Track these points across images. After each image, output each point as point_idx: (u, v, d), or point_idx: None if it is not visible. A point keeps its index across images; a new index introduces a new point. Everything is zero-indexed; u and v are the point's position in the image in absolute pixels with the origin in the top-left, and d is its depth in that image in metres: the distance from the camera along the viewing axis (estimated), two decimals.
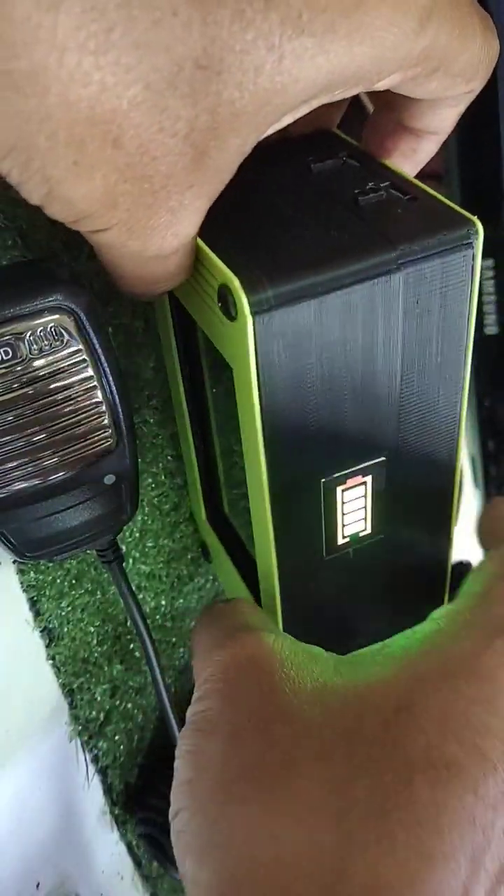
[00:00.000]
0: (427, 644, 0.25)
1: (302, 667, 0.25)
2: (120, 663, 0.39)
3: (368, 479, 0.27)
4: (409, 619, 0.32)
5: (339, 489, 0.26)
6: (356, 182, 0.26)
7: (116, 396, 0.27)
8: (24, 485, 0.26)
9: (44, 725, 0.36)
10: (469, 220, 0.24)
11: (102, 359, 0.26)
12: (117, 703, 0.40)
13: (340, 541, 0.28)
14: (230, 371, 0.24)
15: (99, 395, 0.26)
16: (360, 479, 0.26)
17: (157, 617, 0.41)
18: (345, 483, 0.26)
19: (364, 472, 0.26)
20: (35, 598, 0.34)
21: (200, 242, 0.23)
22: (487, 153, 0.45)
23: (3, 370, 0.25)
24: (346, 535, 0.28)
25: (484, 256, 0.49)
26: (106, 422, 0.27)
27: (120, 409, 0.27)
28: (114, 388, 0.26)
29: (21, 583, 0.33)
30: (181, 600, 0.42)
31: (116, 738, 0.41)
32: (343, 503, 0.27)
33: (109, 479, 0.28)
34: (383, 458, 0.26)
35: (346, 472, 0.26)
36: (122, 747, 0.41)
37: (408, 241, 0.23)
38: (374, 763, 0.21)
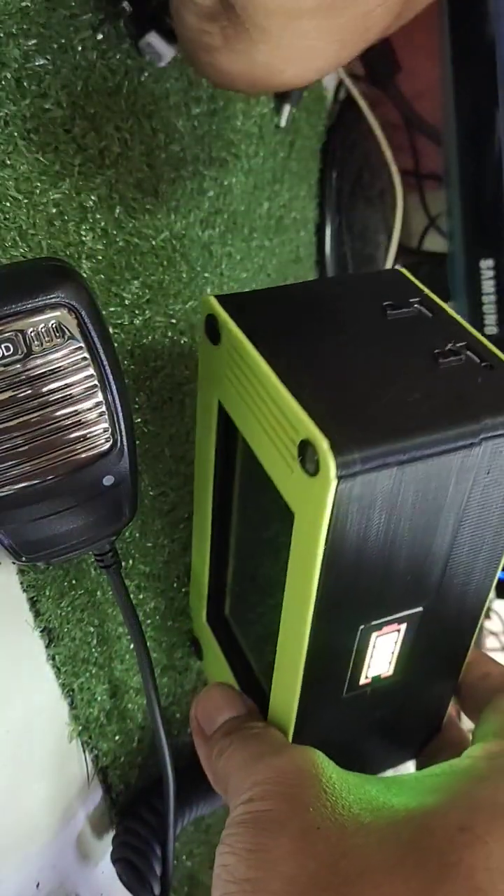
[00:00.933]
0: (474, 778, 0.26)
1: (356, 788, 0.25)
2: (120, 663, 0.39)
3: (403, 626, 0.27)
4: (403, 750, 0.34)
5: (374, 635, 0.27)
6: (433, 339, 0.26)
7: (116, 397, 0.27)
8: (21, 485, 0.26)
9: (44, 725, 0.36)
10: None
11: (103, 358, 0.26)
12: (117, 703, 0.40)
13: (362, 681, 0.28)
14: (282, 509, 0.24)
15: (99, 395, 0.26)
16: (395, 626, 0.27)
17: (157, 617, 0.41)
18: (381, 630, 0.27)
19: (400, 621, 0.27)
20: (35, 598, 0.34)
21: (279, 383, 0.24)
22: (487, 153, 0.45)
23: (3, 367, 0.24)
24: (368, 676, 0.28)
25: (484, 256, 0.49)
26: (105, 422, 0.27)
27: (120, 410, 0.27)
28: (114, 389, 0.26)
29: (21, 583, 0.33)
30: (181, 600, 0.42)
31: (116, 738, 0.41)
32: (374, 648, 0.27)
33: (108, 481, 0.28)
34: (421, 609, 0.27)
35: (385, 619, 0.27)
36: (122, 747, 0.41)
37: (490, 414, 0.23)
38: (444, 879, 0.22)
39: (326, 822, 0.24)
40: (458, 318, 0.28)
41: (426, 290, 0.29)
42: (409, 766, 0.35)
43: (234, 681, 0.35)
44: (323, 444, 0.21)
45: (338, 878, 0.22)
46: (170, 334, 0.38)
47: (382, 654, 0.28)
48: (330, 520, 0.22)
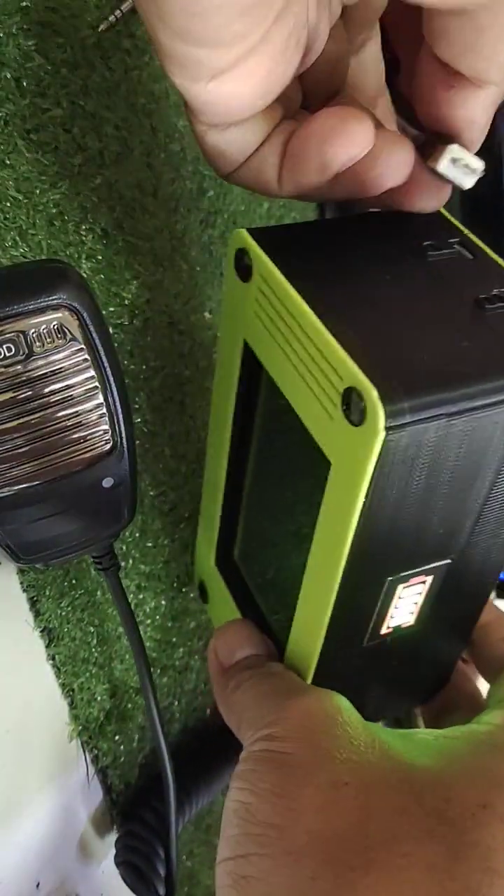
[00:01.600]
0: (490, 748, 0.25)
1: (381, 737, 0.25)
2: (120, 663, 0.39)
3: (430, 578, 0.27)
4: (412, 699, 0.34)
5: (400, 586, 0.26)
6: (477, 283, 0.25)
7: (117, 398, 0.27)
8: (21, 486, 0.26)
9: (44, 725, 0.36)
10: None
11: (104, 359, 0.26)
12: (117, 703, 0.40)
13: (384, 631, 0.28)
14: (316, 457, 0.24)
15: (100, 397, 0.26)
16: (422, 577, 0.26)
17: (157, 617, 0.41)
18: (407, 581, 0.26)
19: (427, 573, 0.26)
20: (35, 598, 0.34)
21: (321, 326, 0.22)
22: (487, 153, 0.45)
23: (4, 368, 0.24)
24: (390, 626, 0.28)
25: None
26: (106, 424, 0.27)
27: (120, 412, 0.27)
28: (114, 390, 0.26)
29: (21, 583, 0.33)
30: (181, 600, 0.42)
31: (116, 738, 0.41)
32: (399, 598, 0.27)
33: (108, 483, 0.28)
34: (448, 561, 0.26)
35: (413, 571, 0.26)
36: (122, 747, 0.41)
37: None
38: (464, 857, 0.22)
39: (354, 779, 0.23)
40: (500, 261, 0.26)
41: (466, 231, 0.28)
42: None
43: None
44: (372, 393, 0.20)
45: (366, 841, 0.22)
46: (170, 334, 0.38)
47: (406, 605, 0.27)
48: (373, 472, 0.21)
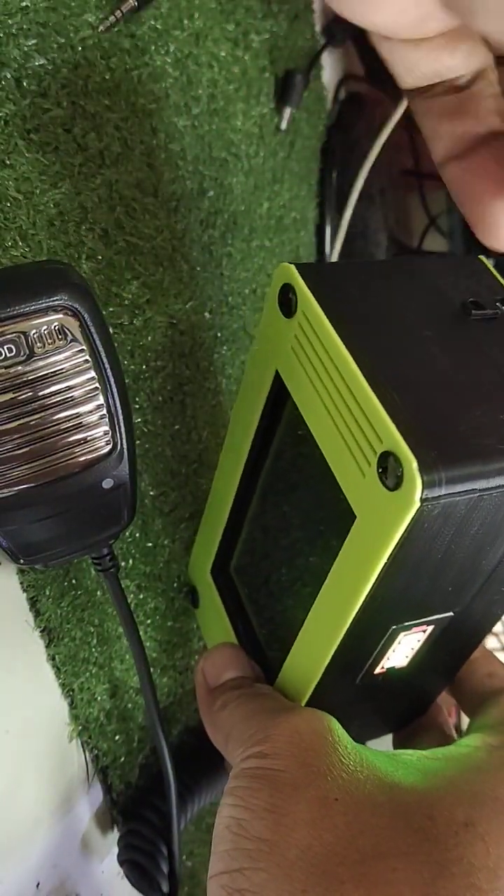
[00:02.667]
0: (473, 769, 0.26)
1: (369, 756, 0.26)
2: (120, 663, 0.39)
3: (431, 628, 0.27)
4: (387, 727, 0.34)
5: (402, 634, 0.27)
6: None
7: (117, 400, 0.26)
8: (20, 487, 0.26)
9: (44, 725, 0.36)
10: None
11: (104, 361, 0.26)
12: (117, 703, 0.40)
13: (377, 671, 0.28)
14: (340, 506, 0.23)
15: (100, 398, 0.26)
16: (424, 627, 0.27)
17: (158, 617, 0.41)
18: (409, 630, 0.27)
19: (430, 623, 0.27)
20: (35, 598, 0.34)
21: (364, 383, 0.22)
22: None
23: (5, 368, 0.24)
24: (385, 667, 0.28)
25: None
26: (106, 425, 0.27)
27: (120, 413, 0.27)
28: (115, 392, 0.26)
29: (21, 583, 0.33)
30: (181, 600, 0.42)
31: (116, 738, 0.41)
32: (398, 644, 0.27)
33: (108, 484, 0.28)
34: (452, 614, 0.27)
35: (417, 622, 0.26)
36: (122, 747, 0.41)
37: None
38: (448, 874, 0.22)
39: (344, 795, 0.24)
40: None
41: None
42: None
43: (233, 633, 0.34)
44: (412, 463, 0.20)
45: (355, 855, 0.22)
46: (170, 334, 0.38)
47: (404, 650, 0.28)
48: (401, 538, 0.21)
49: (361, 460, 0.22)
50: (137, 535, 0.38)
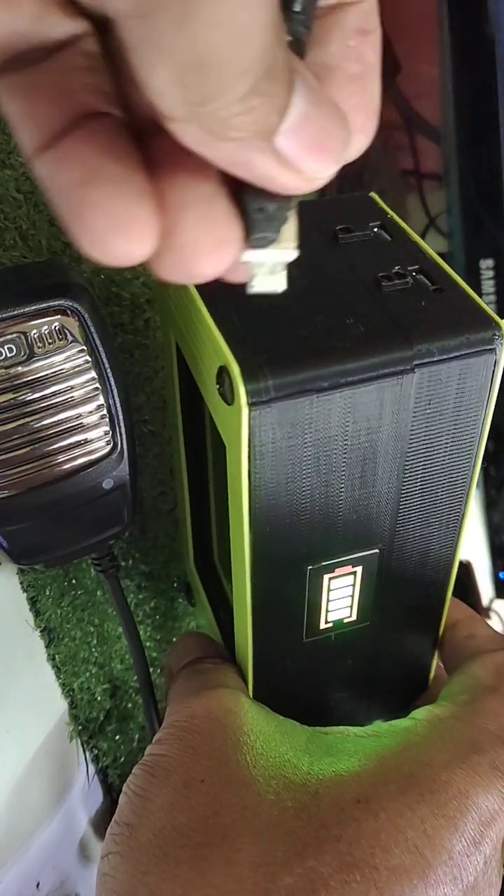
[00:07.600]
0: (403, 744, 0.25)
1: (269, 740, 0.25)
2: (120, 663, 0.39)
3: (359, 569, 0.26)
4: (386, 707, 0.32)
5: (325, 577, 0.26)
6: (383, 262, 0.25)
7: (117, 400, 0.27)
8: (21, 487, 0.26)
9: (44, 725, 0.36)
10: (495, 322, 0.23)
11: (105, 362, 0.26)
12: (117, 702, 0.40)
13: (322, 625, 0.27)
14: (222, 443, 0.24)
15: (100, 399, 0.26)
16: (349, 568, 0.26)
17: (157, 616, 0.41)
18: (332, 571, 0.26)
19: (355, 563, 0.26)
20: (35, 598, 0.34)
21: (205, 311, 0.23)
22: (487, 153, 0.45)
23: (5, 369, 0.24)
24: (329, 620, 0.27)
25: (484, 256, 0.49)
26: (106, 426, 0.27)
27: (120, 414, 0.27)
28: (115, 392, 0.26)
29: (21, 583, 0.33)
30: (181, 600, 0.42)
31: (116, 738, 0.41)
32: (329, 590, 0.26)
33: (108, 485, 0.28)
34: (376, 551, 0.26)
35: (335, 560, 0.26)
36: (122, 747, 0.41)
37: (426, 340, 0.22)
38: (316, 851, 0.21)
39: (211, 776, 0.23)
40: (420, 241, 0.26)
41: (392, 214, 0.27)
42: None
43: (215, 623, 0.34)
44: (235, 370, 0.20)
45: (200, 837, 0.22)
46: None
47: (340, 597, 0.27)
48: (249, 447, 0.21)
49: (213, 387, 0.23)
50: (137, 534, 0.38)
